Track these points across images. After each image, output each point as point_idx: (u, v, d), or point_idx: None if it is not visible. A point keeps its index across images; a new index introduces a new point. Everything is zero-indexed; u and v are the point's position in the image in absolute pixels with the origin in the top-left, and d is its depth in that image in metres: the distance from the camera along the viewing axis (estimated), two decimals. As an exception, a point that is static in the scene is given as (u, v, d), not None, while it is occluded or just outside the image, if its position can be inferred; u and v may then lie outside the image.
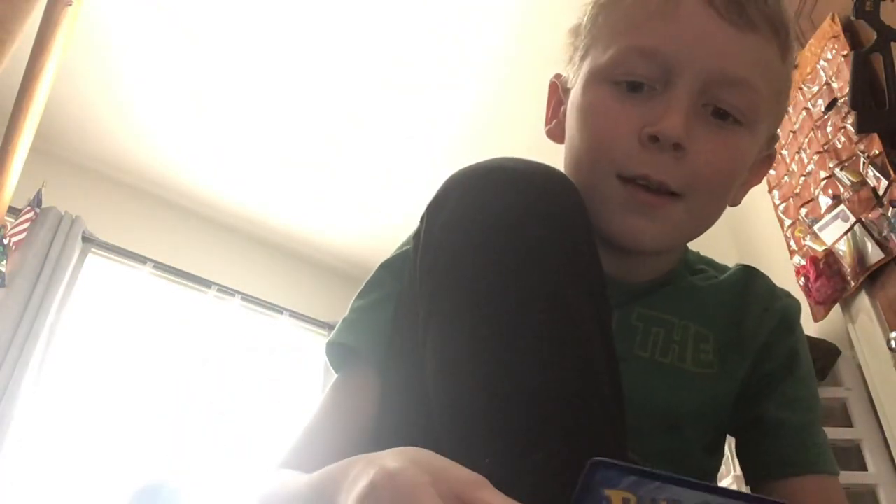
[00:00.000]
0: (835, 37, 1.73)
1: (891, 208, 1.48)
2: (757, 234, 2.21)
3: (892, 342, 1.44)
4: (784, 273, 1.94)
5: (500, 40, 2.61)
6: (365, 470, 0.38)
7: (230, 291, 3.35)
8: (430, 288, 0.50)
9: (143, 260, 3.18)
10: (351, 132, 3.06)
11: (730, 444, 0.70)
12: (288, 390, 3.23)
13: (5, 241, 2.67)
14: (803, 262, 1.78)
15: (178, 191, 3.45)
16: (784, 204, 1.94)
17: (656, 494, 0.31)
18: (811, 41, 1.85)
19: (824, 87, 1.77)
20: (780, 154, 1.99)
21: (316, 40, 2.68)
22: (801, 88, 1.89)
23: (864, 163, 1.57)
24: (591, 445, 0.41)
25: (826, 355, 1.65)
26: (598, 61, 0.57)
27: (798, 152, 1.88)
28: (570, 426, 0.42)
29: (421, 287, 0.51)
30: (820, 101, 1.78)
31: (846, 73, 1.61)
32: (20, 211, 2.78)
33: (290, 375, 3.30)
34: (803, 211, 1.83)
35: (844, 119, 1.65)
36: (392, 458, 0.38)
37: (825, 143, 1.74)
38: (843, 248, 1.64)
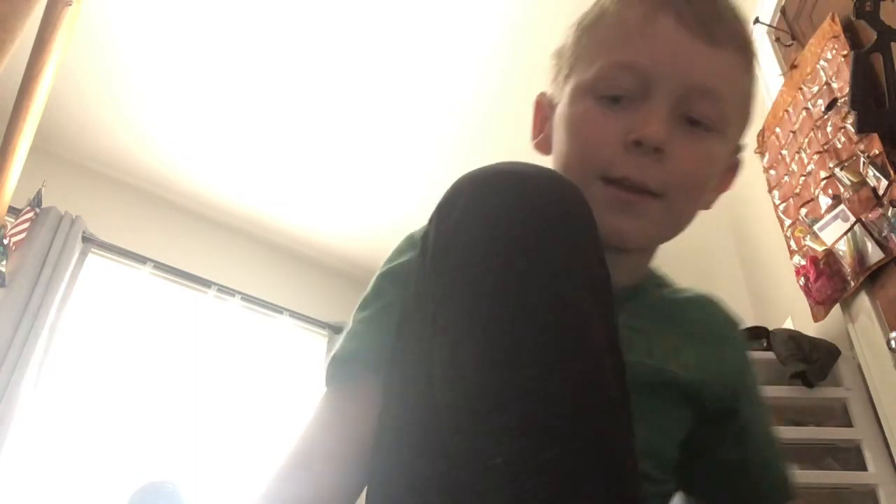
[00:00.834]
0: (835, 37, 1.73)
1: (891, 208, 1.48)
2: (757, 234, 2.21)
3: (892, 342, 1.44)
4: (784, 273, 1.94)
5: (495, 42, 2.60)
6: None
7: (230, 291, 3.35)
8: (439, 289, 0.50)
9: (143, 260, 3.18)
10: (351, 132, 3.06)
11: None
12: (288, 390, 3.23)
13: (5, 241, 2.67)
14: (803, 262, 1.78)
15: (178, 191, 3.45)
16: (784, 204, 1.94)
17: None
18: (811, 41, 1.84)
19: (824, 87, 1.77)
20: (780, 154, 1.99)
21: (316, 41, 2.68)
22: (800, 88, 1.89)
23: (864, 163, 1.57)
24: (601, 442, 0.43)
25: (826, 355, 1.65)
26: (583, 77, 0.62)
27: (798, 152, 1.88)
28: (580, 426, 0.43)
29: (429, 288, 0.52)
30: (820, 101, 1.78)
31: (846, 73, 1.61)
32: (20, 211, 2.78)
33: (290, 375, 3.30)
34: (803, 211, 1.83)
35: (844, 119, 1.65)
36: None
37: (825, 143, 1.74)
38: (843, 248, 1.63)
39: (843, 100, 1.66)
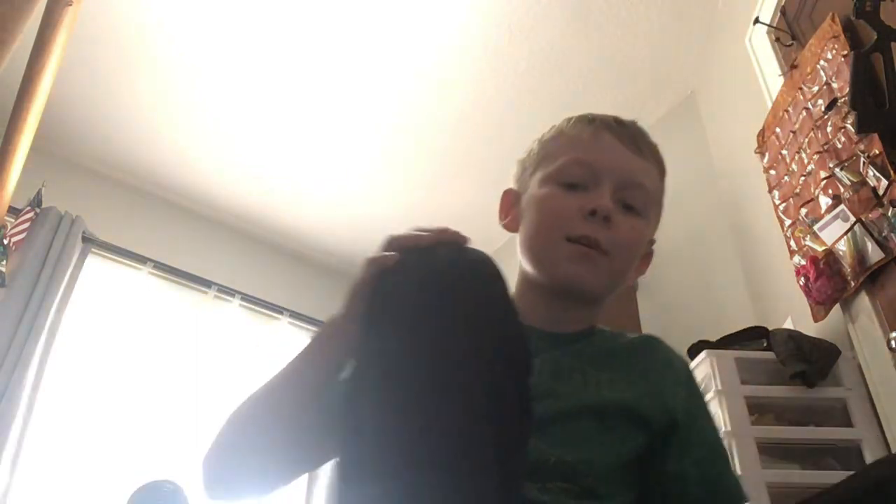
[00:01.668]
0: (835, 37, 1.73)
1: (891, 208, 1.48)
2: (757, 234, 2.21)
3: (892, 342, 1.44)
4: (784, 273, 1.94)
5: (485, 40, 2.61)
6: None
7: (230, 291, 3.35)
8: (372, 347, 0.62)
9: (143, 260, 3.18)
10: (351, 133, 3.07)
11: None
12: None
13: (5, 241, 2.67)
14: (803, 262, 1.78)
15: (178, 191, 3.45)
16: (784, 204, 1.94)
17: None
18: (811, 41, 1.84)
19: (824, 87, 1.77)
20: (780, 154, 1.99)
21: (316, 42, 2.68)
22: (800, 88, 1.89)
23: (864, 163, 1.57)
24: (478, 479, 0.52)
25: (826, 355, 1.65)
26: (548, 170, 0.84)
27: (798, 152, 1.88)
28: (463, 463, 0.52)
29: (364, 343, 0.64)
30: (820, 101, 1.78)
31: (846, 73, 1.61)
32: (20, 211, 2.78)
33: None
34: (803, 211, 1.82)
35: (844, 119, 1.65)
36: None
37: (825, 143, 1.74)
38: (843, 248, 1.63)
39: (843, 100, 1.66)
